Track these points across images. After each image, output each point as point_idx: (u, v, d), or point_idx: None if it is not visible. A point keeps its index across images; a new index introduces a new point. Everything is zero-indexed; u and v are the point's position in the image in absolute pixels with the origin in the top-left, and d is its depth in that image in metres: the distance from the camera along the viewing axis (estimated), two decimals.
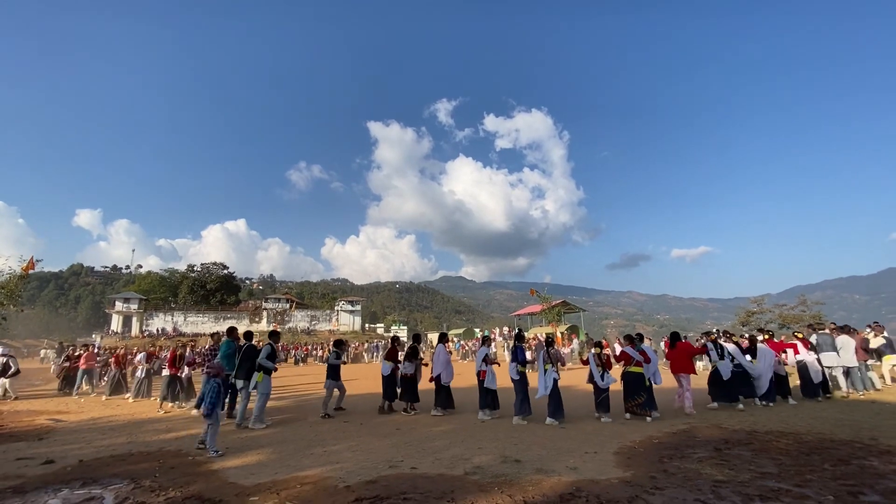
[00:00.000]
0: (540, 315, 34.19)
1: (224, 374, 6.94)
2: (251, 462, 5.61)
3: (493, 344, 9.94)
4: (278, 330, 10.58)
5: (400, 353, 9.37)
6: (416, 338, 10.49)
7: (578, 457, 5.52)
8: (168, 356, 11.23)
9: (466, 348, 29.19)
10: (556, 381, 7.89)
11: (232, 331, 9.12)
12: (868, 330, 13.27)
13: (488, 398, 8.32)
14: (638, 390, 8.17)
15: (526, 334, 31.00)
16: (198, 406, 6.29)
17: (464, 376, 9.38)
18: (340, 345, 9.94)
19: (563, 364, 18.38)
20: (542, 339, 8.68)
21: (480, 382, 8.36)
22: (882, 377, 11.13)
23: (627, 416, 8.11)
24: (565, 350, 21.67)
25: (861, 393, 9.95)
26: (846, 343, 10.17)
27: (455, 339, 34.10)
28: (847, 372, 10.19)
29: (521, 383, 7.97)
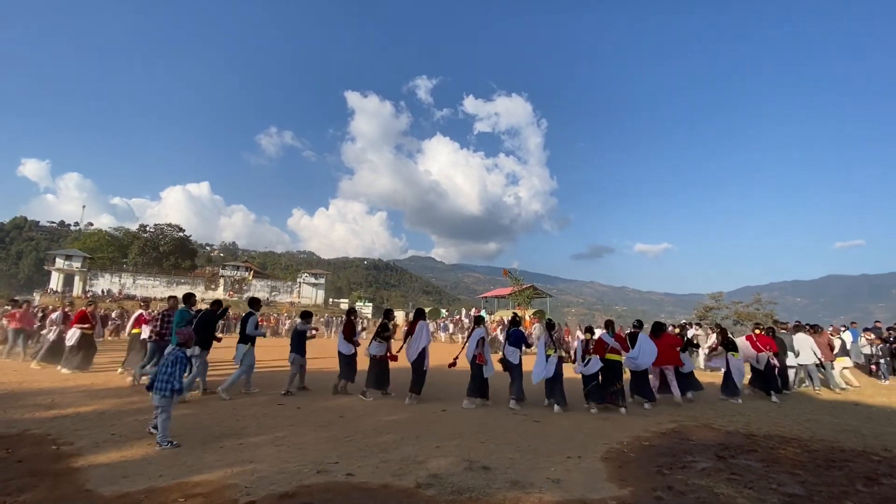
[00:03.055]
0: (508, 298, 33.52)
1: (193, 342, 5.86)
2: (133, 457, 4.20)
3: (486, 325, 8.85)
4: (221, 300, 8.86)
5: (365, 332, 8.12)
6: (388, 314, 8.76)
7: (560, 463, 4.43)
8: (76, 314, 9.50)
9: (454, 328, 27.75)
10: (560, 366, 7.57)
11: (189, 297, 7.66)
12: (831, 329, 13.25)
13: (481, 386, 7.34)
14: (614, 380, 7.50)
15: (488, 316, 30.23)
16: (151, 387, 4.72)
17: (435, 356, 8.13)
18: (308, 316, 8.59)
19: (529, 346, 17.66)
20: (507, 321, 7.86)
21: (478, 367, 7.34)
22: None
23: (592, 408, 7.29)
24: (529, 333, 20.99)
25: (837, 391, 9.62)
26: (802, 342, 9.94)
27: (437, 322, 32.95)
28: (808, 371, 10.00)
29: (519, 368, 7.60)
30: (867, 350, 13.14)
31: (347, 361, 7.89)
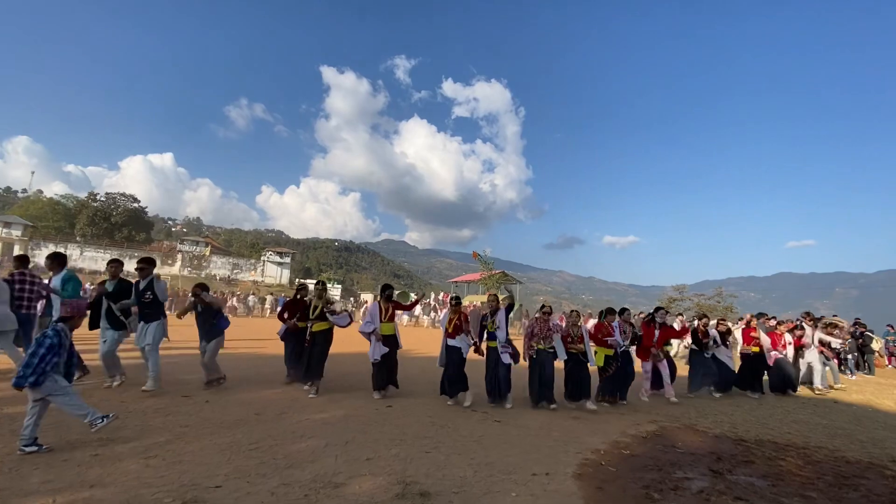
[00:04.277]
0: (478, 283, 32.69)
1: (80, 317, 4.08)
2: None
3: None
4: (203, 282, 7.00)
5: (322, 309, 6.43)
6: (320, 286, 6.81)
7: (523, 484, 3.43)
8: None
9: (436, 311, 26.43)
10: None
11: (59, 257, 6.15)
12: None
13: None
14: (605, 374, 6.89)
15: (465, 301, 29.41)
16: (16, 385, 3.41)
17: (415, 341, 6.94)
18: (204, 289, 6.42)
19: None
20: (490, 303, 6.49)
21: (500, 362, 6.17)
22: None
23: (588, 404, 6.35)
24: None
25: (818, 390, 9.16)
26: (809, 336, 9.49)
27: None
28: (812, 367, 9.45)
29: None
30: (835, 345, 12.98)
31: (293, 349, 6.90)
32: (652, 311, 7.89)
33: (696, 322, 9.29)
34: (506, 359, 6.04)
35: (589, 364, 6.44)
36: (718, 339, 8.16)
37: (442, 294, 36.25)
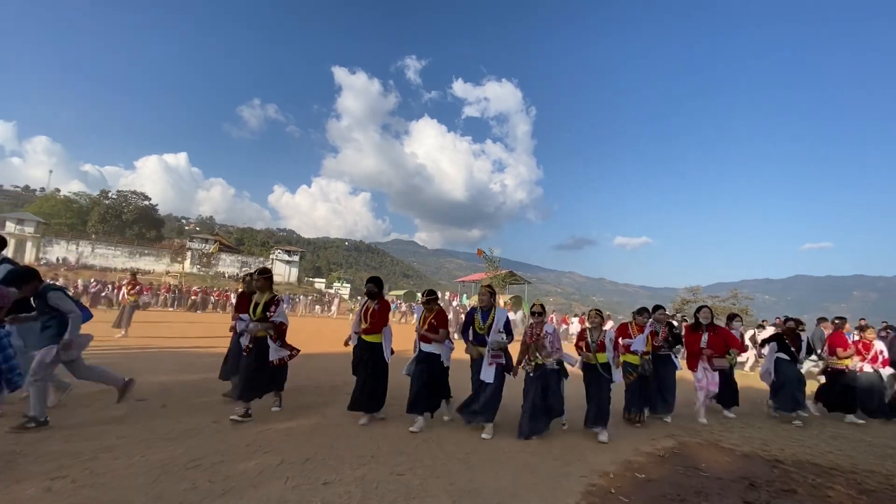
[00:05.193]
0: (483, 282, 31.92)
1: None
2: None
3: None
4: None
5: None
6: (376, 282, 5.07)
7: None
8: None
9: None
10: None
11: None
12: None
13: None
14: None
15: (467, 301, 28.62)
16: None
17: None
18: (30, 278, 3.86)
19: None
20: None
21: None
22: None
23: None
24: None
25: None
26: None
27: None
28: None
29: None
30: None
31: (237, 355, 5.14)
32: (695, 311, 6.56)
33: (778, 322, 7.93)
34: (487, 374, 4.55)
35: (613, 380, 4.92)
36: (816, 346, 6.75)
37: (449, 294, 35.60)
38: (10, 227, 55.80)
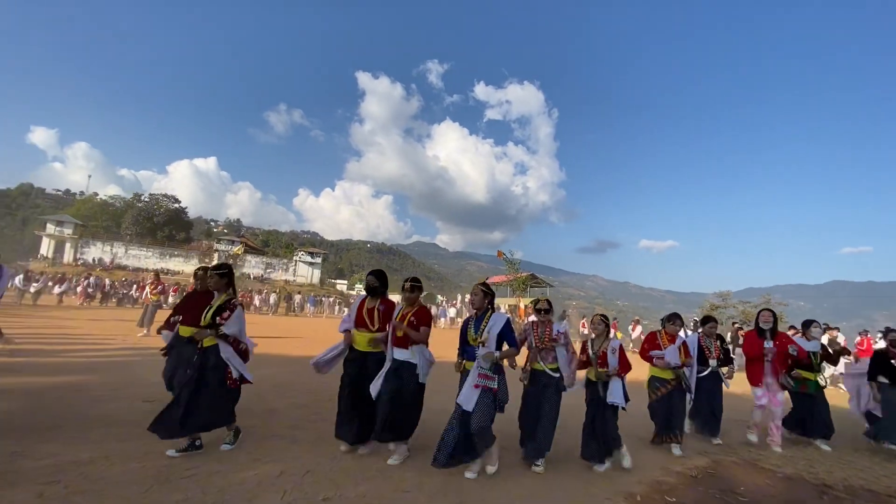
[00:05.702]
0: (505, 285, 31.49)
1: None
2: None
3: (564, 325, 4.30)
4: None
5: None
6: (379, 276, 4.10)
7: None
8: None
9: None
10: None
11: None
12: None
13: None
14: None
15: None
16: None
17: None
18: None
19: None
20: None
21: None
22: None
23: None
24: (523, 322, 19.04)
25: None
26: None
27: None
28: None
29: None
30: None
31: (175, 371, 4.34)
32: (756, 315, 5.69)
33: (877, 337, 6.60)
34: (466, 398, 3.38)
35: (617, 404, 3.98)
36: None
37: (468, 296, 35.27)
38: (51, 228, 58.57)
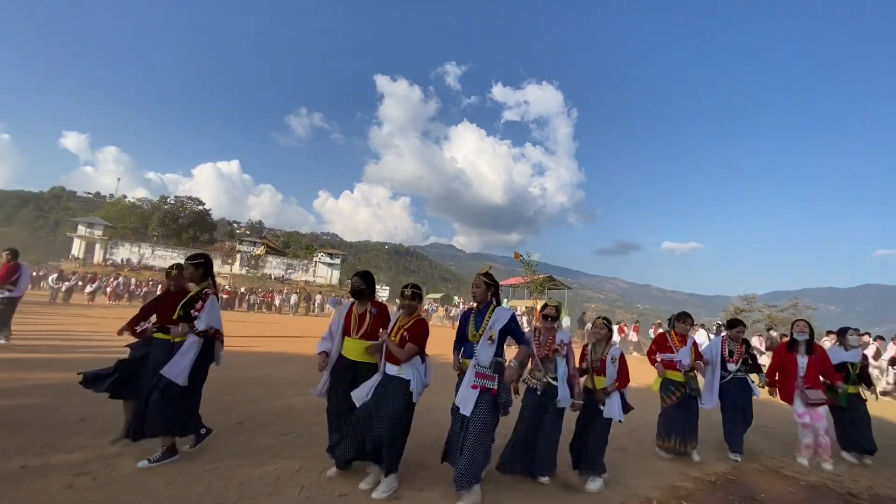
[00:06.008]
0: (521, 287, 31.30)
1: None
2: None
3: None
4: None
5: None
6: (365, 277, 3.65)
7: None
8: None
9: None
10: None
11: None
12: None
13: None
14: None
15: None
16: None
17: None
18: None
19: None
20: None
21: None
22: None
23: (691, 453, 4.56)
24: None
25: None
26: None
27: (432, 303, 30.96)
28: None
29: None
30: None
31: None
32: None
33: None
34: (464, 399, 3.11)
35: (613, 416, 3.65)
36: None
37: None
38: (82, 230, 60.83)
